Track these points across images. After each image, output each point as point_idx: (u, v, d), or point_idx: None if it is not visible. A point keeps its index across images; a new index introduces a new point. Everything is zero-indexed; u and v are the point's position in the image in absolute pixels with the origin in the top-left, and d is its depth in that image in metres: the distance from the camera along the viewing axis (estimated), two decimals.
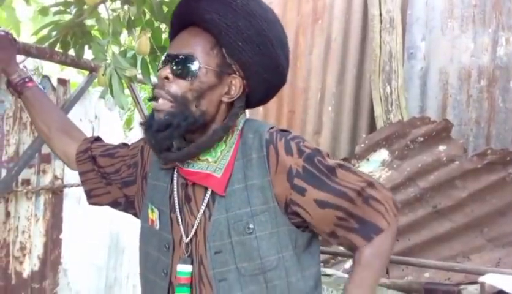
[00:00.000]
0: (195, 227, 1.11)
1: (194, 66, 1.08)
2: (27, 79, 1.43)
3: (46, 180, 2.40)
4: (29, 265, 2.33)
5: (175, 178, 1.18)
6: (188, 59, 1.08)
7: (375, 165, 3.05)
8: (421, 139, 2.96)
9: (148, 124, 1.11)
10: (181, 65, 1.08)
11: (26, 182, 2.28)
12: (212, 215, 1.09)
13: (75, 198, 2.65)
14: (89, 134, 2.22)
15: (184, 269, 1.11)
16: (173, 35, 1.19)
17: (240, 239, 1.07)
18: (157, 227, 1.18)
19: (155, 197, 1.20)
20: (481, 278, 2.20)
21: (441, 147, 2.93)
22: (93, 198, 1.38)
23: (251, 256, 1.07)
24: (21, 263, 2.28)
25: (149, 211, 1.20)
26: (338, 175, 1.09)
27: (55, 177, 2.45)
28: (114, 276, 3.17)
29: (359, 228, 1.09)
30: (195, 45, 1.10)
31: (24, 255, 2.29)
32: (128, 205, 1.34)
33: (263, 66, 1.13)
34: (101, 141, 1.42)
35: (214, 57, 1.10)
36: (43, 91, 1.51)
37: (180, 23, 1.16)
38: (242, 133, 1.14)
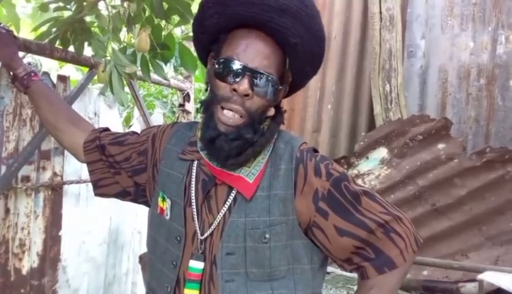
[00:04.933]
0: (213, 226, 1.10)
1: (275, 88, 1.08)
2: (32, 74, 1.44)
3: (46, 177, 2.40)
4: (28, 262, 2.33)
5: (194, 171, 1.16)
6: (271, 79, 1.07)
7: (374, 163, 3.06)
8: (420, 137, 2.96)
9: (217, 133, 1.07)
10: (264, 85, 1.07)
11: (26, 178, 2.27)
12: (231, 217, 1.09)
13: (74, 195, 2.65)
14: None
15: (196, 265, 1.10)
16: (217, 26, 1.11)
17: (255, 246, 1.07)
18: (167, 217, 1.16)
19: (167, 186, 1.19)
20: (480, 276, 2.21)
21: (441, 146, 2.93)
22: (100, 188, 1.36)
23: (262, 263, 1.08)
24: (20, 259, 2.27)
25: (159, 199, 1.19)
26: (362, 203, 1.09)
27: (54, 174, 2.44)
28: (113, 273, 3.17)
29: (374, 258, 1.09)
30: (274, 64, 1.09)
31: (23, 252, 2.29)
32: (138, 194, 1.32)
33: (315, 73, 1.20)
34: (109, 131, 1.41)
35: (280, 73, 1.11)
36: (48, 85, 1.51)
37: (240, 20, 1.08)
38: (274, 142, 1.15)
